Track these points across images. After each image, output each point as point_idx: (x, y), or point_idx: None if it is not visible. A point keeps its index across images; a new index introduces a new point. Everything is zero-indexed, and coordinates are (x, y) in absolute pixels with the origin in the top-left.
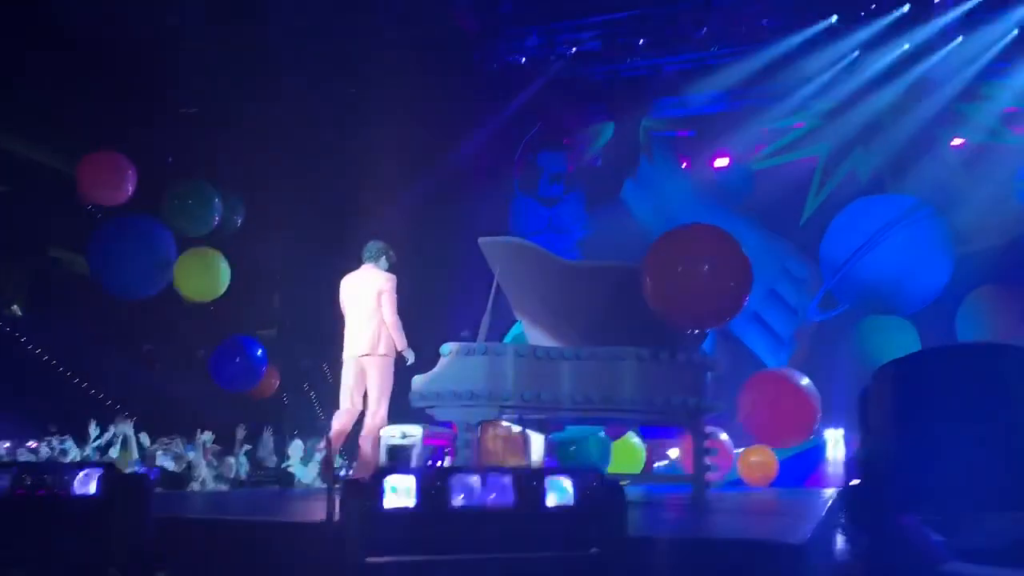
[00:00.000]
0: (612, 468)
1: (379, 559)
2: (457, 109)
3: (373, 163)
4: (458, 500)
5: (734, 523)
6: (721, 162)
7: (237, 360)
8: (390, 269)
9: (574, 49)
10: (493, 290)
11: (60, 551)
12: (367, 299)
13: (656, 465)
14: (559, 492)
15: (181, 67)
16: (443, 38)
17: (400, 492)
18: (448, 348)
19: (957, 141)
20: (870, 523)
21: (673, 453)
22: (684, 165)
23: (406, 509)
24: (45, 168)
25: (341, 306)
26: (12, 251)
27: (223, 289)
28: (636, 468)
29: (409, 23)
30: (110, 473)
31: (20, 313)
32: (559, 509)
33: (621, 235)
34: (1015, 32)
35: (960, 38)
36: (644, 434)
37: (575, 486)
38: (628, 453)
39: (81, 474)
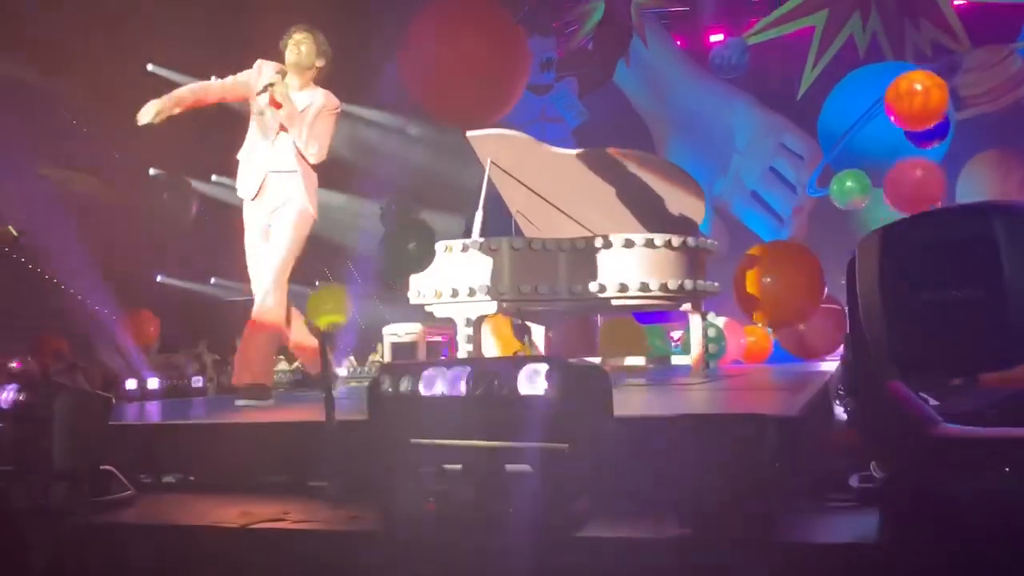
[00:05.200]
0: (617, 354)
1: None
2: None
3: (349, 57)
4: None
5: (732, 400)
6: (716, 38)
7: None
8: None
9: None
10: (485, 184)
11: None
12: None
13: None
14: (532, 380)
15: None
16: None
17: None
18: (443, 245)
19: (959, 0)
20: (861, 393)
21: (676, 335)
22: (678, 43)
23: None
24: (27, 84)
25: None
26: (4, 171)
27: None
28: (642, 353)
29: None
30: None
31: (16, 234)
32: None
33: (617, 121)
34: None
35: None
36: (642, 320)
37: (549, 374)
38: (634, 338)
39: None
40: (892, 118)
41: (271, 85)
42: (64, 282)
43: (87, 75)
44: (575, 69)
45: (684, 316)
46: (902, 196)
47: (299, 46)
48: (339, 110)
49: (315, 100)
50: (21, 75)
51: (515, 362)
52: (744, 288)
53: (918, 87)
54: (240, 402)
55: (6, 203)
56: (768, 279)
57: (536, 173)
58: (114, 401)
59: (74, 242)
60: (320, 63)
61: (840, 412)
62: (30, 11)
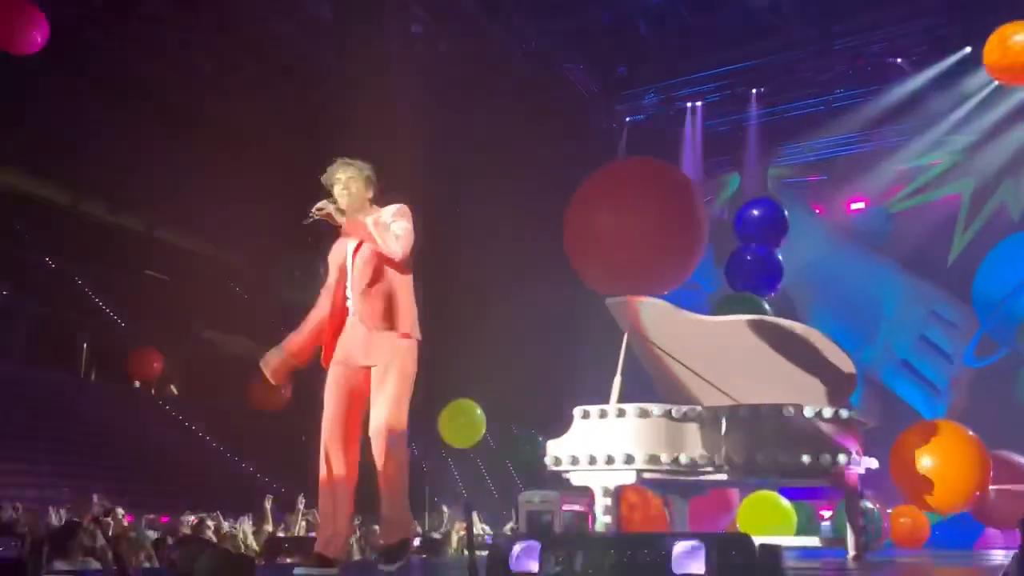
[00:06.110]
0: (759, 531)
1: None
2: (579, 172)
3: (501, 229)
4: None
5: None
6: (857, 206)
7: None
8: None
9: (689, 104)
10: (623, 351)
11: None
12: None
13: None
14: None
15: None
16: (564, 104)
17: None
18: (580, 410)
19: None
20: None
21: (827, 514)
22: (817, 211)
23: None
24: (198, 256)
25: None
26: (171, 335)
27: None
28: (788, 531)
29: (527, 91)
30: None
31: (176, 392)
32: None
33: None
34: None
35: None
36: (793, 495)
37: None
38: (779, 515)
39: None
40: (987, 68)
41: (319, 210)
42: (215, 440)
43: (251, 249)
44: (711, 237)
45: (833, 492)
46: None
47: (347, 188)
48: (407, 210)
49: (377, 215)
50: (197, 248)
51: (671, 537)
52: (906, 471)
53: (1019, 37)
54: (383, 566)
55: (171, 365)
56: (931, 461)
57: (676, 339)
58: (259, 562)
59: (227, 402)
60: (371, 194)
61: None
62: (206, 199)
